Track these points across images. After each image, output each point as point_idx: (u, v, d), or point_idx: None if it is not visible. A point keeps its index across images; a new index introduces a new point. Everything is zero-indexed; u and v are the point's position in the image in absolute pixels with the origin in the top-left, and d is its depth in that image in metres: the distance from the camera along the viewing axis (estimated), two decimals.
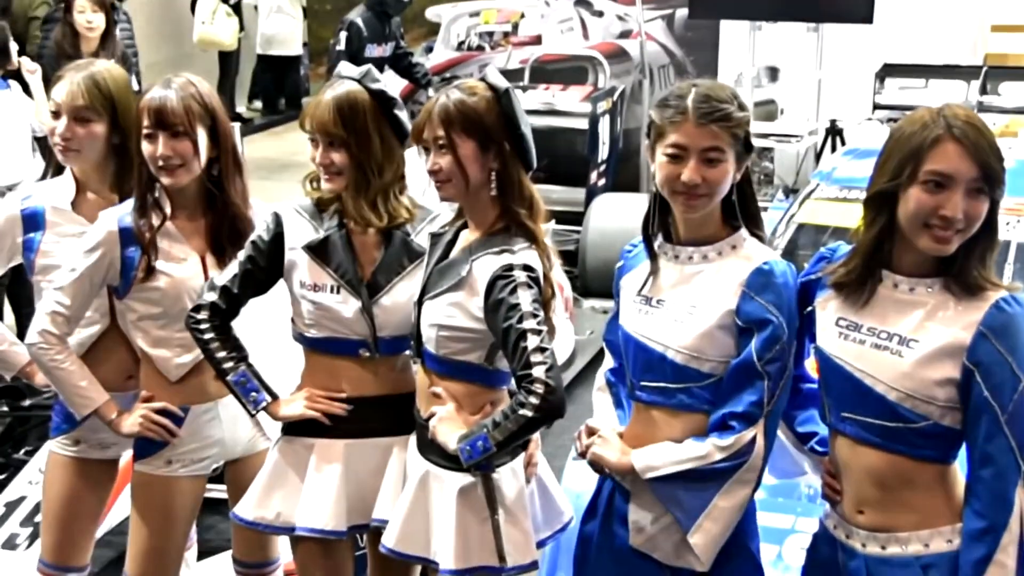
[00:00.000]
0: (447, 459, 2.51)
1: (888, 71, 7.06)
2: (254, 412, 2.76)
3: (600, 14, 8.69)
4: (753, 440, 2.29)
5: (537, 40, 8.75)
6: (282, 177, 9.48)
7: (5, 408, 4.43)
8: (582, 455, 2.50)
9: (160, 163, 2.77)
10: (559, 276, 5.81)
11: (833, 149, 7.40)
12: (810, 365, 2.45)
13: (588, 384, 5.21)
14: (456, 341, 2.51)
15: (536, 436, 2.64)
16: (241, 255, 2.74)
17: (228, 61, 11.19)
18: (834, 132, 7.58)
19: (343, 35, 7.27)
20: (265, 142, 10.71)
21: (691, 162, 2.28)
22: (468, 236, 2.57)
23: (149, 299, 2.85)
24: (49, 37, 6.38)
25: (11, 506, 3.78)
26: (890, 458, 2.21)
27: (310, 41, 11.32)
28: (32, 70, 5.44)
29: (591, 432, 2.49)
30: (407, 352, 2.75)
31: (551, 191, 7.19)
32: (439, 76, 8.24)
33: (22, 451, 4.32)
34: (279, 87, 11.98)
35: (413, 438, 2.67)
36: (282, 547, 3.02)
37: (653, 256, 2.43)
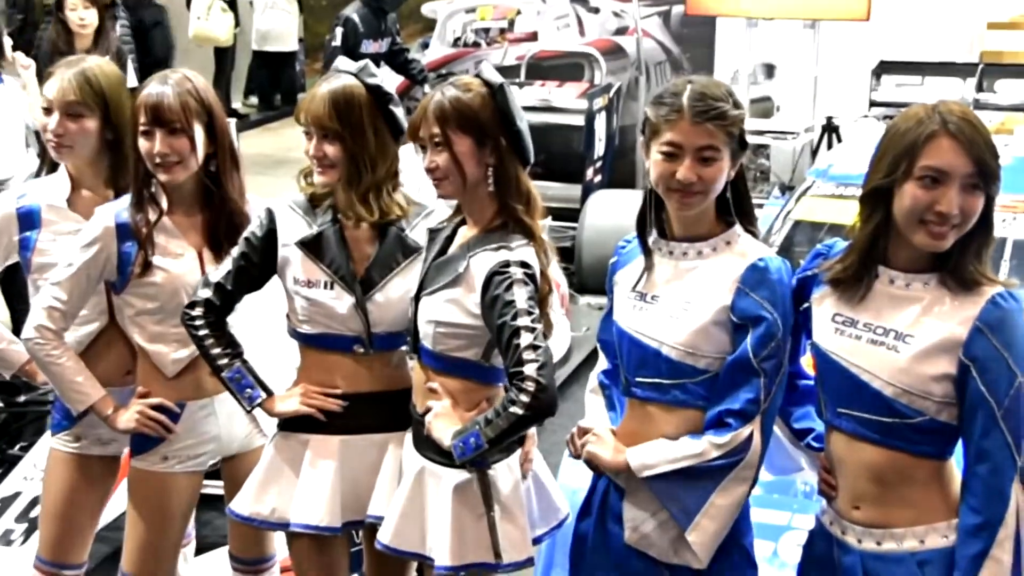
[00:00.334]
0: (443, 455, 2.51)
1: (884, 68, 7.06)
2: (249, 408, 2.76)
3: (596, 11, 8.70)
4: (750, 437, 2.29)
5: (533, 37, 8.75)
6: (278, 173, 9.47)
7: (0, 404, 4.43)
8: (577, 455, 2.49)
9: (157, 160, 2.77)
10: (555, 273, 5.82)
11: (829, 146, 7.41)
12: (806, 362, 2.45)
13: (584, 381, 5.19)
14: (453, 337, 2.51)
15: (532, 432, 2.64)
16: (235, 252, 2.73)
17: (224, 57, 11.18)
18: (830, 129, 7.59)
19: (339, 31, 7.26)
20: (261, 138, 10.70)
21: (686, 160, 2.28)
22: (466, 232, 2.57)
23: (146, 294, 2.84)
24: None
25: (6, 502, 3.77)
26: (886, 454, 2.22)
27: (306, 37, 11.33)
28: (26, 65, 5.43)
29: (584, 432, 2.49)
30: (402, 348, 2.75)
31: (547, 188, 7.19)
32: (435, 72, 8.24)
33: (17, 447, 4.32)
34: (275, 83, 11.97)
35: (409, 434, 2.67)
36: (279, 543, 3.02)
37: (647, 252, 2.42)
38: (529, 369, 2.36)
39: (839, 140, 7.33)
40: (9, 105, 5.26)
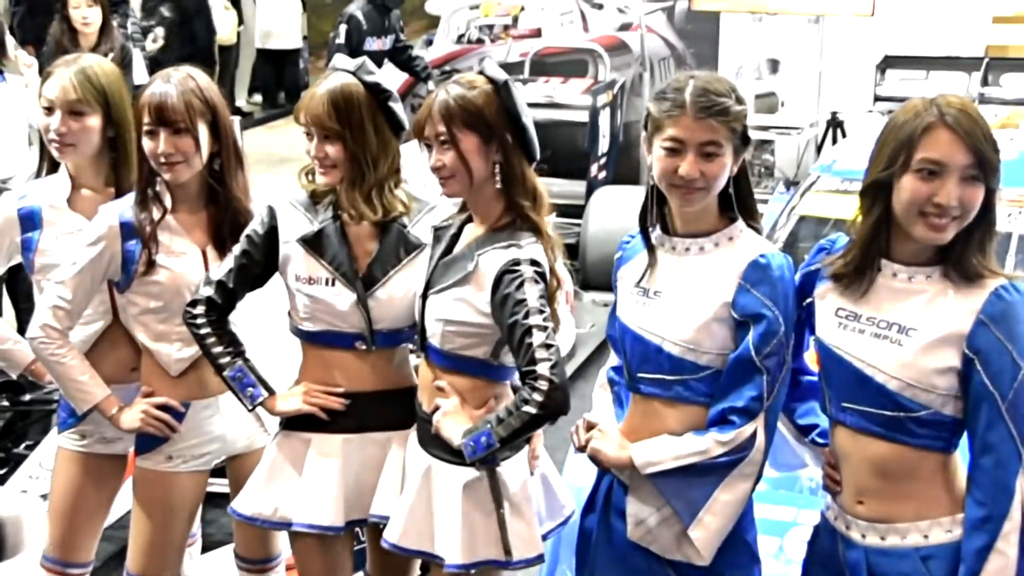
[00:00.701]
0: (451, 453, 2.50)
1: (889, 63, 7.05)
2: (251, 407, 2.76)
3: (600, 7, 8.68)
4: (754, 435, 2.29)
5: (537, 33, 8.73)
6: (282, 171, 9.47)
7: (5, 403, 4.43)
8: (581, 449, 2.49)
9: (161, 160, 2.77)
10: (559, 269, 5.81)
11: (834, 141, 7.40)
12: (810, 357, 2.44)
13: (589, 377, 5.22)
14: (462, 336, 2.51)
15: (538, 430, 2.64)
16: (236, 249, 2.73)
17: (227, 55, 11.18)
18: (835, 124, 7.57)
19: (343, 28, 7.26)
20: (265, 136, 10.71)
21: (689, 156, 2.27)
22: (473, 230, 2.56)
23: (149, 293, 2.84)
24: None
25: None
26: (890, 447, 2.21)
27: (310, 34, 11.32)
28: (29, 64, 5.44)
29: (590, 426, 2.49)
30: (404, 346, 2.75)
31: (551, 184, 7.11)
32: (439, 69, 8.23)
33: (23, 446, 4.32)
34: (278, 81, 11.97)
35: (413, 432, 2.66)
36: (284, 542, 3.02)
37: (651, 248, 2.42)
38: (542, 368, 2.35)
39: (844, 135, 7.32)
40: (11, 103, 5.26)
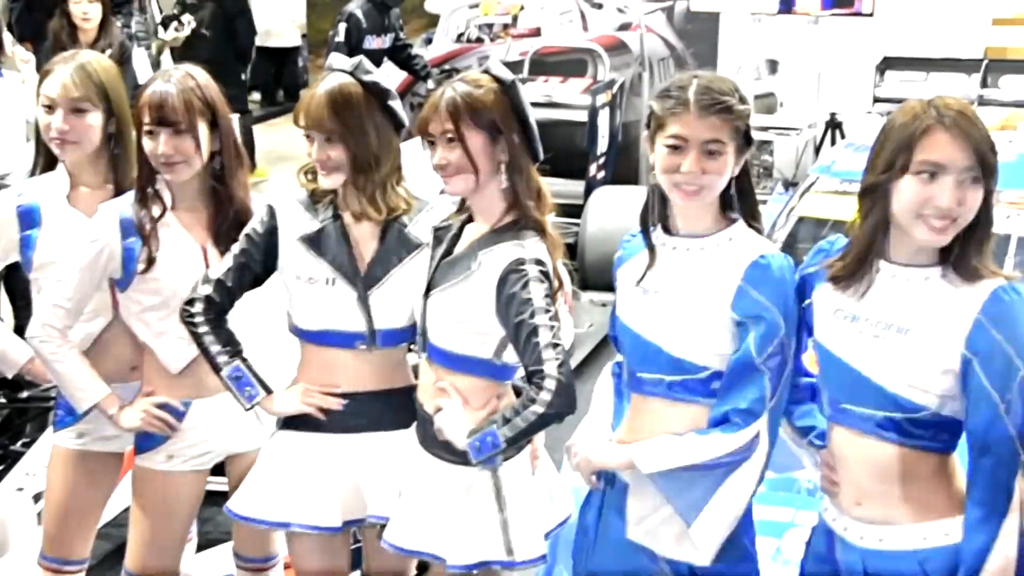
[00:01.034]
0: (452, 453, 2.50)
1: (888, 64, 7.06)
2: (248, 407, 2.75)
3: (600, 6, 8.69)
4: (757, 436, 2.29)
5: (536, 32, 8.74)
6: (281, 168, 9.47)
7: (3, 400, 4.43)
8: (577, 468, 2.48)
9: (162, 160, 2.77)
10: (558, 268, 5.81)
11: (833, 142, 7.40)
12: (808, 359, 2.44)
13: (586, 377, 5.20)
14: (465, 335, 2.50)
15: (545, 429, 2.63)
16: (235, 248, 2.72)
17: None
18: (834, 125, 7.58)
19: (342, 27, 7.26)
20: (263, 134, 10.68)
21: (691, 153, 2.27)
22: (475, 230, 2.55)
23: (150, 290, 2.84)
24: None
25: None
26: (889, 449, 2.21)
27: (309, 33, 11.31)
28: (26, 60, 5.43)
29: (577, 444, 2.47)
30: (403, 345, 2.74)
31: (550, 184, 7.12)
32: (438, 68, 8.24)
33: (19, 443, 4.31)
34: (277, 78, 11.96)
35: (412, 432, 2.66)
36: (282, 542, 3.02)
37: (651, 247, 2.42)
38: (549, 367, 2.35)
39: (843, 136, 7.33)
40: (8, 99, 5.25)
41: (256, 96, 12.21)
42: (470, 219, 2.58)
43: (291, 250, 2.69)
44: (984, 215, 2.15)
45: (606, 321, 2.63)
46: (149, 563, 2.92)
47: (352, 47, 6.99)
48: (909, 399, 2.18)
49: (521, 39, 8.72)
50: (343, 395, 2.69)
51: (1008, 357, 2.10)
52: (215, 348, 2.71)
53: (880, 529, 2.24)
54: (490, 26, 8.87)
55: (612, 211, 6.57)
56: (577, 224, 6.91)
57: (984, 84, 6.67)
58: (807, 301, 2.33)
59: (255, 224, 2.72)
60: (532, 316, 2.37)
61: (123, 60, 6.00)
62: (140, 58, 6.48)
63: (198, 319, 2.70)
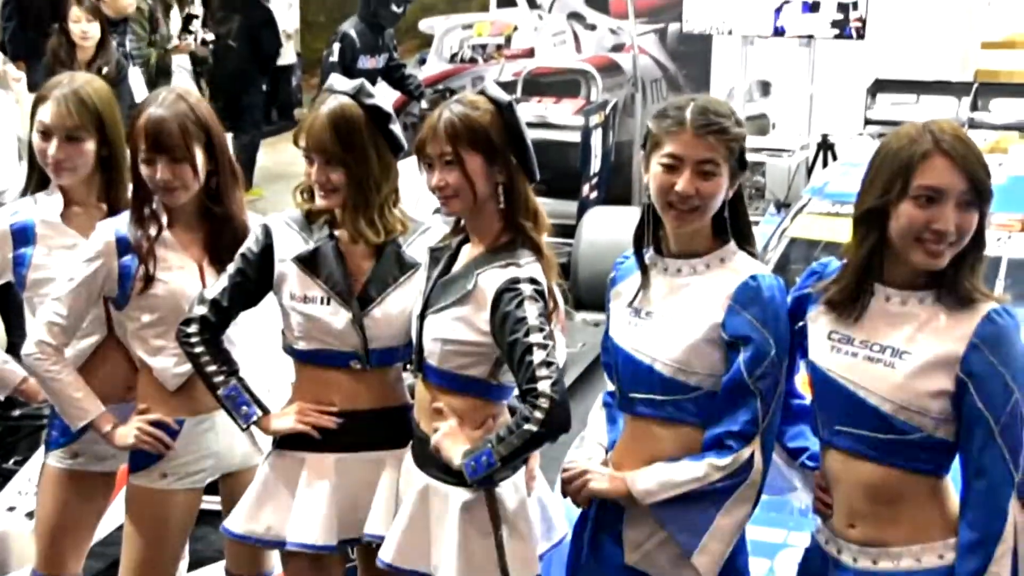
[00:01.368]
0: (448, 473, 2.50)
1: (879, 87, 7.09)
2: (245, 426, 2.75)
3: (593, 28, 8.72)
4: (751, 458, 2.29)
5: (530, 53, 8.77)
6: (275, 187, 9.46)
7: None
8: (571, 496, 2.48)
9: (161, 185, 2.78)
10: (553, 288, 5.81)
11: (825, 164, 7.42)
12: (800, 381, 2.45)
13: (579, 397, 5.20)
14: (461, 355, 2.50)
15: (537, 449, 2.64)
16: (231, 268, 2.73)
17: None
18: (826, 147, 7.60)
19: (336, 46, 7.28)
20: (258, 152, 10.69)
21: (686, 173, 2.29)
22: (471, 250, 2.56)
23: (147, 308, 2.84)
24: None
25: None
26: (883, 471, 2.22)
27: (303, 52, 11.32)
28: (17, 78, 5.43)
29: (572, 469, 2.47)
30: (398, 365, 2.74)
31: (543, 204, 7.18)
32: (432, 88, 8.26)
33: (11, 461, 4.30)
34: (272, 97, 11.97)
35: (408, 452, 2.66)
36: (275, 560, 3.01)
37: (644, 268, 2.43)
38: (543, 386, 2.35)
39: (835, 158, 7.35)
40: (1, 118, 5.26)
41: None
42: (467, 239, 2.59)
43: (286, 270, 2.69)
44: (977, 239, 2.17)
45: (599, 341, 2.64)
46: None
47: (346, 67, 7.01)
48: (903, 421, 2.18)
49: (515, 60, 8.75)
50: (338, 414, 2.69)
51: (1002, 379, 2.11)
52: (211, 368, 2.71)
53: (874, 551, 2.25)
54: (484, 47, 8.90)
55: (605, 231, 6.59)
56: (570, 244, 6.92)
57: (974, 107, 6.70)
58: (800, 323, 2.34)
59: (250, 244, 2.72)
60: (526, 335, 2.38)
61: (120, 79, 6.02)
62: (135, 77, 6.51)
63: (194, 339, 2.70)
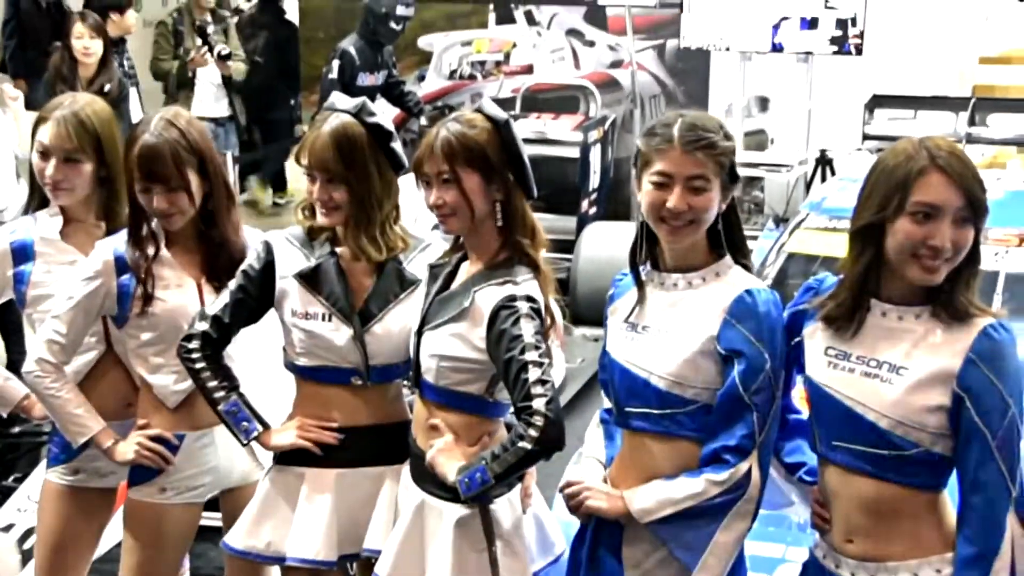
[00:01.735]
0: (444, 490, 2.50)
1: (877, 102, 7.10)
2: (245, 442, 2.75)
3: (592, 44, 8.73)
4: (748, 472, 2.29)
5: (529, 69, 8.78)
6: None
7: None
8: (572, 512, 2.48)
9: (158, 213, 2.80)
10: (550, 304, 5.81)
11: (823, 179, 7.44)
12: (797, 396, 2.45)
13: (578, 412, 5.21)
14: (457, 372, 2.51)
15: (532, 467, 2.64)
16: (232, 284, 2.74)
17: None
18: (824, 162, 7.62)
19: (335, 63, 7.29)
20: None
21: (676, 189, 2.30)
22: (469, 267, 2.57)
23: (146, 326, 2.85)
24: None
25: None
26: (881, 486, 2.22)
27: (302, 68, 11.33)
28: (14, 97, 5.44)
29: (570, 485, 2.47)
30: (399, 381, 2.75)
31: (542, 219, 7.14)
32: (431, 104, 8.27)
33: (11, 478, 4.30)
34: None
35: (406, 467, 2.66)
36: None
37: (640, 284, 2.44)
38: (538, 403, 2.35)
39: (833, 173, 7.36)
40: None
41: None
42: (466, 256, 2.60)
43: (287, 286, 2.70)
44: (973, 254, 2.18)
45: (598, 357, 2.64)
46: None
47: (345, 84, 7.02)
48: (901, 436, 2.18)
49: (513, 76, 8.77)
50: (339, 430, 2.70)
51: (999, 394, 2.12)
52: (212, 384, 2.72)
53: (872, 566, 2.25)
54: (483, 63, 8.92)
55: (604, 246, 6.60)
56: (569, 260, 6.93)
57: (972, 122, 6.71)
58: (797, 339, 2.35)
59: (252, 261, 2.73)
60: (522, 352, 2.38)
61: (121, 98, 6.04)
62: (132, 97, 6.53)
63: (195, 355, 2.71)
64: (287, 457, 2.73)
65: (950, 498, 2.24)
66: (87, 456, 2.97)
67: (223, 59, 7.56)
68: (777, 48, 7.62)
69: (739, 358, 2.28)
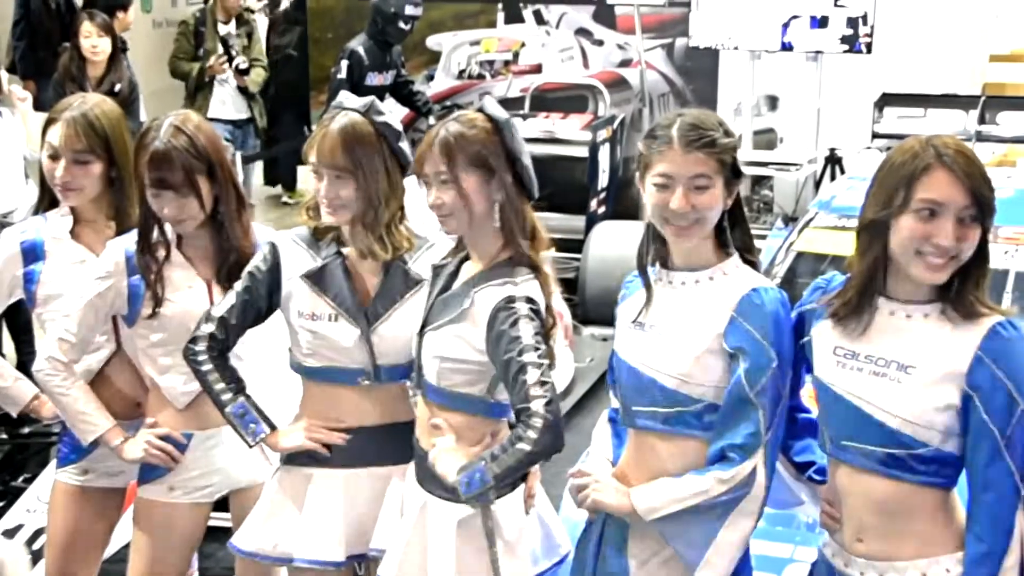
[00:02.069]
0: (446, 490, 2.50)
1: (887, 100, 7.08)
2: (252, 443, 2.76)
3: (600, 43, 8.73)
4: (754, 471, 2.28)
5: (538, 69, 8.78)
6: (280, 205, 9.50)
7: (3, 436, 4.43)
8: (579, 504, 2.48)
9: (168, 218, 2.81)
10: (558, 304, 5.81)
11: (832, 177, 7.42)
12: (806, 395, 2.45)
13: (587, 412, 5.21)
14: (458, 373, 2.51)
15: (535, 468, 2.63)
16: (238, 286, 2.74)
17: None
18: (833, 161, 7.61)
19: (344, 63, 7.29)
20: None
21: (679, 190, 2.29)
22: (471, 268, 2.56)
23: (156, 326, 2.86)
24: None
25: (9, 534, 3.76)
26: (890, 485, 2.21)
27: (311, 69, 11.34)
28: (23, 98, 5.45)
29: (581, 475, 2.47)
30: (405, 380, 2.75)
31: (551, 219, 7.17)
32: (440, 104, 8.27)
33: (20, 479, 4.31)
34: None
35: (412, 468, 2.66)
36: None
37: (648, 285, 2.43)
38: (536, 405, 2.35)
39: (842, 171, 7.35)
40: (8, 138, 5.27)
41: None
42: (468, 256, 2.59)
43: (294, 287, 2.70)
44: (980, 252, 2.17)
45: (607, 356, 2.64)
46: None
47: (354, 84, 7.02)
48: (910, 435, 2.18)
49: (522, 75, 8.77)
50: (346, 430, 2.70)
51: (1008, 392, 2.11)
52: (219, 386, 2.72)
53: (881, 565, 2.24)
54: (491, 63, 8.92)
55: (613, 246, 6.58)
56: (578, 259, 6.92)
57: (982, 120, 6.69)
58: (805, 338, 2.34)
59: (258, 261, 2.74)
60: (520, 354, 2.37)
61: (132, 99, 6.05)
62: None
63: (201, 357, 2.71)
64: (294, 458, 2.74)
65: (960, 498, 2.24)
66: (97, 456, 2.98)
67: (241, 73, 7.59)
68: (787, 47, 7.60)
69: (744, 356, 2.28)
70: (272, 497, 2.76)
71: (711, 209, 2.31)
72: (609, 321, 2.59)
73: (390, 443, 2.71)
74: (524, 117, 7.84)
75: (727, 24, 7.66)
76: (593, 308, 6.50)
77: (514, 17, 8.85)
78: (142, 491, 2.93)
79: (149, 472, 2.90)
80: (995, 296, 2.26)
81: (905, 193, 2.14)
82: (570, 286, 6.73)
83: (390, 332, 2.68)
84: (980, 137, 6.17)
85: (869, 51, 7.39)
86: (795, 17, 7.50)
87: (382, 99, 7.16)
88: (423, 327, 2.56)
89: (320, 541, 2.68)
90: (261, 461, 2.98)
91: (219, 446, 2.92)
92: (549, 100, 8.42)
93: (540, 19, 8.84)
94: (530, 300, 2.44)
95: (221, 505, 3.03)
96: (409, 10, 7.32)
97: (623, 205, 7.98)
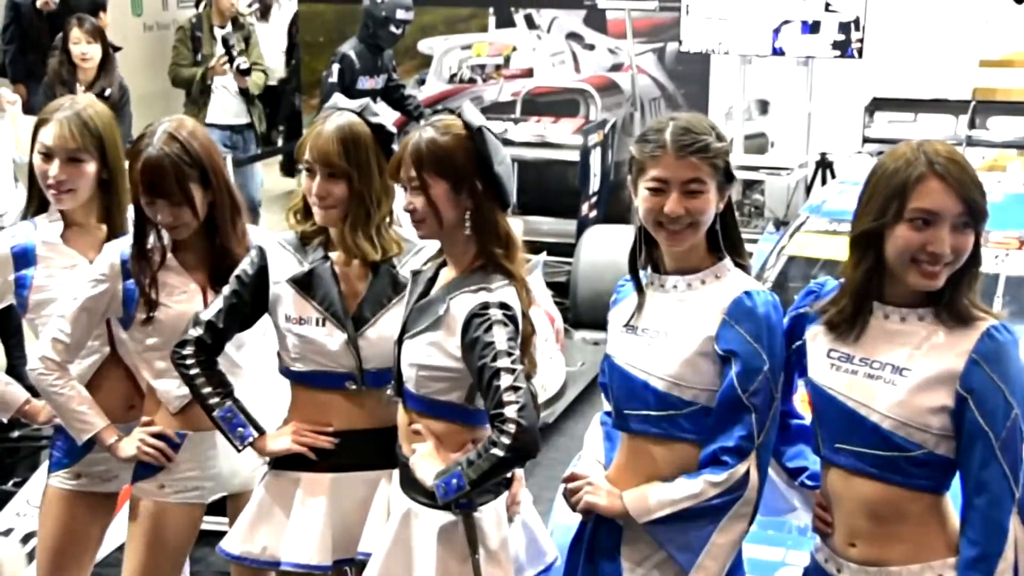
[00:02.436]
0: (429, 497, 2.48)
1: (877, 105, 7.10)
2: (240, 448, 2.75)
3: (591, 47, 8.74)
4: (747, 474, 2.28)
5: (529, 73, 8.79)
6: (273, 208, 9.48)
7: None
8: (572, 507, 2.48)
9: (163, 225, 2.81)
10: (550, 307, 5.80)
11: (824, 182, 7.43)
12: (798, 400, 2.45)
13: (578, 416, 5.21)
14: (435, 380, 2.49)
15: (520, 475, 2.62)
16: (226, 290, 2.74)
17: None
18: (824, 165, 7.62)
19: (335, 67, 7.29)
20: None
21: (672, 194, 2.29)
22: (447, 274, 2.55)
23: (151, 331, 2.85)
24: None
25: None
26: (884, 488, 2.21)
27: (302, 73, 11.35)
28: (12, 101, 5.43)
29: (574, 478, 2.47)
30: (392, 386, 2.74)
31: (542, 223, 7.20)
32: (431, 108, 8.26)
33: (11, 482, 4.31)
34: (272, 118, 11.97)
35: (396, 474, 2.65)
36: None
37: (639, 289, 2.43)
38: (509, 411, 2.33)
39: (833, 176, 7.37)
40: None
41: None
42: (445, 263, 2.59)
43: (281, 291, 2.69)
44: (974, 256, 2.18)
45: (598, 360, 2.63)
46: None
47: (345, 87, 7.02)
48: (904, 438, 2.18)
49: (513, 80, 8.78)
50: (334, 434, 2.69)
51: (1002, 395, 2.12)
52: (207, 390, 2.72)
53: (874, 571, 2.24)
54: (482, 67, 8.93)
55: (604, 250, 6.58)
56: (569, 263, 6.93)
57: (972, 125, 6.71)
58: (798, 342, 2.34)
59: (245, 266, 2.73)
60: (494, 360, 2.36)
61: (123, 103, 6.04)
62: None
63: (189, 361, 2.71)
64: (282, 462, 2.73)
65: (953, 503, 2.24)
66: (89, 461, 2.97)
67: (243, 73, 7.56)
68: (778, 52, 7.61)
69: (736, 359, 2.28)
70: (260, 501, 2.75)
71: (704, 213, 2.31)
72: (601, 325, 2.59)
73: (378, 447, 2.70)
74: (515, 121, 7.85)
75: (718, 29, 7.67)
76: (585, 312, 6.50)
77: (505, 21, 8.86)
78: (135, 489, 2.93)
79: (142, 470, 2.90)
80: (986, 300, 2.26)
81: (899, 203, 2.14)
82: (561, 290, 6.73)
83: (377, 336, 2.67)
84: (970, 142, 6.20)
85: (861, 56, 7.40)
86: (786, 22, 7.51)
87: (374, 102, 7.18)
88: (401, 334, 2.55)
89: (307, 545, 2.67)
90: (258, 465, 2.97)
91: (212, 449, 2.92)
92: (540, 104, 8.43)
93: (531, 23, 8.85)
94: (504, 306, 2.43)
95: (213, 509, 3.03)
96: (400, 14, 7.33)
97: (614, 209, 7.98)
